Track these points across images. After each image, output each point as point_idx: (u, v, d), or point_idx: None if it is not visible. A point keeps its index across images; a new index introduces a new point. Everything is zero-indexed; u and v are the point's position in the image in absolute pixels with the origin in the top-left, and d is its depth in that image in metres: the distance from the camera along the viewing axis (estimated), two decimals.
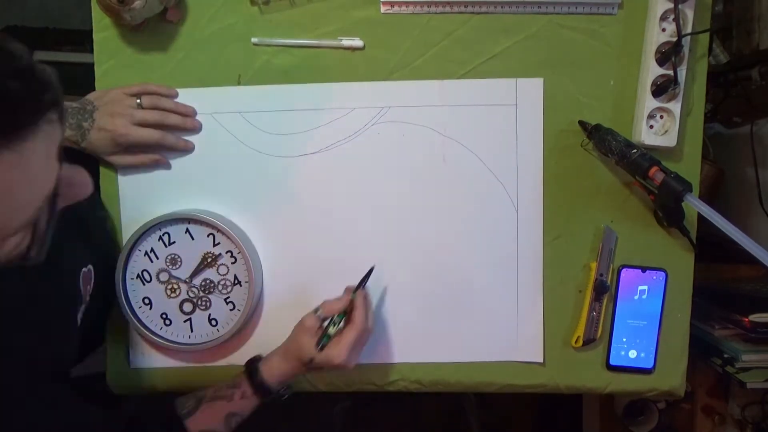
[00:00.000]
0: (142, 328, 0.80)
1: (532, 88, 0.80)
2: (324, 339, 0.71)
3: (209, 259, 0.80)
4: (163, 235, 0.79)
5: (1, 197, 0.38)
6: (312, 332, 0.72)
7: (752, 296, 1.00)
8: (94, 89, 0.80)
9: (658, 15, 0.76)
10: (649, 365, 0.81)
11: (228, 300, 0.80)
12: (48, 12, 1.66)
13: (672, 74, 0.76)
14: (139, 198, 0.82)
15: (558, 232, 0.82)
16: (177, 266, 0.80)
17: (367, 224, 0.82)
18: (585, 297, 0.81)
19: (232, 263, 0.80)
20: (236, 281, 0.80)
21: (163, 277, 0.80)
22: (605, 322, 0.81)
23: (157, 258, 0.80)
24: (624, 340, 0.81)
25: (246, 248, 0.78)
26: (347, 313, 0.73)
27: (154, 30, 0.80)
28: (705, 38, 0.79)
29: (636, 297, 0.81)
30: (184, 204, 0.82)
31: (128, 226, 0.81)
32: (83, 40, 1.15)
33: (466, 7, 0.79)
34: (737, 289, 1.04)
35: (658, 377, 0.82)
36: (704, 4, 0.78)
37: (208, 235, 0.79)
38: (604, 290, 0.80)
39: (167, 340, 0.81)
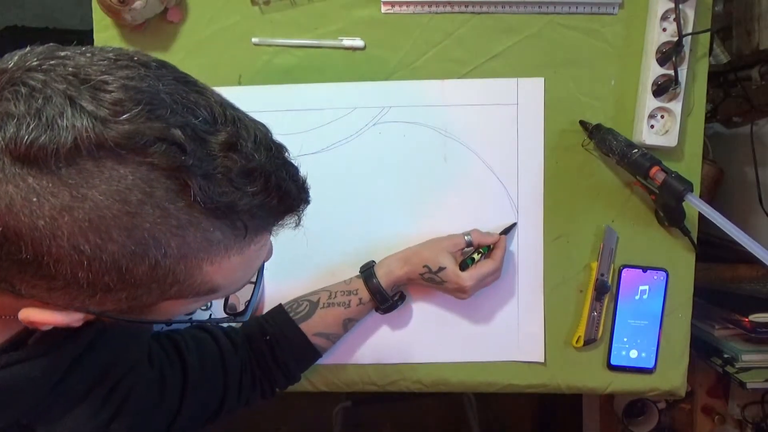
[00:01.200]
0: None
1: (533, 88, 0.80)
2: (468, 261, 0.76)
3: None
4: None
5: (253, 265, 0.45)
6: (452, 248, 0.76)
7: (752, 296, 1.00)
8: None
9: (659, 15, 0.76)
10: (650, 365, 0.81)
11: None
12: (48, 12, 1.66)
13: (673, 74, 0.76)
14: None
15: (559, 231, 0.82)
16: None
17: (367, 224, 0.82)
18: (586, 297, 0.81)
19: None
20: None
21: None
22: (606, 321, 0.81)
23: None
24: (625, 339, 0.81)
25: None
26: (489, 249, 0.78)
27: (154, 30, 0.80)
28: (706, 38, 0.79)
29: (637, 297, 0.81)
30: None
31: None
32: (83, 40, 1.14)
33: (466, 6, 0.79)
34: (737, 289, 1.04)
35: (659, 377, 0.82)
36: (705, 4, 0.78)
37: None
38: (605, 290, 0.80)
39: None
